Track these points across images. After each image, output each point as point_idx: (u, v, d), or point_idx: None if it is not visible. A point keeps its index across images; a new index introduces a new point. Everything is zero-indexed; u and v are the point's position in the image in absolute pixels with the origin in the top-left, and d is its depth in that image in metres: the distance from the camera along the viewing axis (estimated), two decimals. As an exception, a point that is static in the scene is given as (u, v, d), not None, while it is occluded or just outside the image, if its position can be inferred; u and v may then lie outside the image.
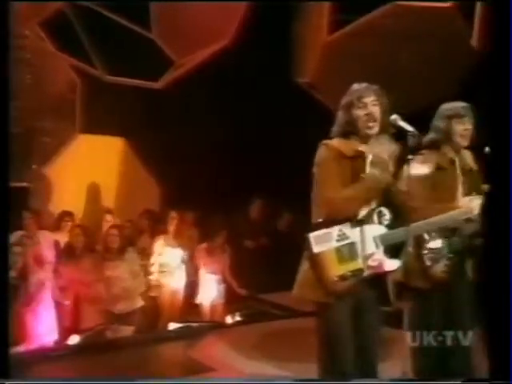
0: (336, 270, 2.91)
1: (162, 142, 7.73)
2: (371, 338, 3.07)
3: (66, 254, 6.12)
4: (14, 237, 5.83)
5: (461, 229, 3.27)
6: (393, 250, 3.04)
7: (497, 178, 1.15)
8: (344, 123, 3.03)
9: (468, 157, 3.50)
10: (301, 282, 3.03)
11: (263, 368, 4.99)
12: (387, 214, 2.99)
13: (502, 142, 2.29)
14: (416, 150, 3.04)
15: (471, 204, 3.20)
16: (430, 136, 3.46)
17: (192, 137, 7.52)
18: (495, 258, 1.16)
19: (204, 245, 6.98)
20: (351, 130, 3.02)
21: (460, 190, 3.41)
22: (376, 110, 2.99)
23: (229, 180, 7.51)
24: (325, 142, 3.04)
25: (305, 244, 2.96)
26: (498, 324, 1.14)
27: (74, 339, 5.83)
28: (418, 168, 3.36)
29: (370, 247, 2.96)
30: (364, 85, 3.06)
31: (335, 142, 3.03)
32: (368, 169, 3.01)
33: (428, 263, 3.28)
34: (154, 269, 6.71)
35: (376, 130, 3.00)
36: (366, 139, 3.02)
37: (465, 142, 3.42)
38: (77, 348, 5.67)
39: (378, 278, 3.04)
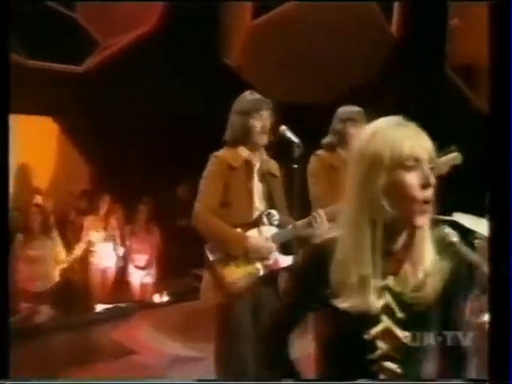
0: (234, 272, 3.10)
1: (91, 124, 7.70)
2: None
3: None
4: None
5: None
6: (286, 247, 3.24)
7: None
8: (239, 130, 3.19)
9: None
10: (204, 285, 3.19)
11: (183, 350, 5.10)
12: (276, 215, 3.22)
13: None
14: (300, 160, 3.25)
15: None
16: (328, 138, 3.70)
17: (120, 119, 7.53)
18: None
19: (132, 225, 7.14)
20: (242, 138, 3.20)
21: None
22: (269, 124, 3.21)
23: (156, 162, 7.59)
24: (215, 154, 3.20)
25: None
26: (498, 324, 1.32)
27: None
28: (314, 167, 3.62)
29: None
30: (258, 96, 3.25)
31: (225, 153, 3.20)
32: (256, 177, 3.23)
33: None
34: (81, 248, 6.84)
35: (265, 141, 3.22)
36: (254, 149, 3.24)
37: None
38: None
39: (274, 275, 3.24)
